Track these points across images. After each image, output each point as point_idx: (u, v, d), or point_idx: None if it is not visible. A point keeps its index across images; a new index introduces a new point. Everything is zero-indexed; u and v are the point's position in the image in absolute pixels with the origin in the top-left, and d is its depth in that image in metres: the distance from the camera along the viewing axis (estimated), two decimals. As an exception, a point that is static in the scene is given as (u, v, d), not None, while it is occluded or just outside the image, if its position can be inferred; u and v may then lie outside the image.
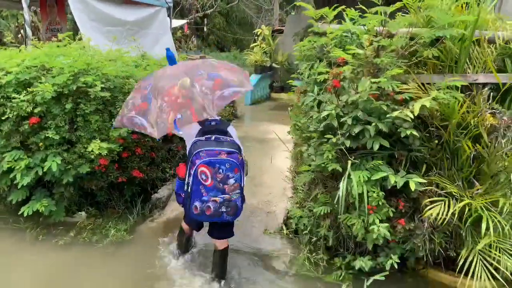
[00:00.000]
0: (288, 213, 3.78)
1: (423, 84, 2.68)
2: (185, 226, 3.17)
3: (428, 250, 2.74)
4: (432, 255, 2.80)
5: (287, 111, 4.36)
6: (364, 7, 2.91)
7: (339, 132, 2.67)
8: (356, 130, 2.60)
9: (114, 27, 7.11)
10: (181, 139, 4.70)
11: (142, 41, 7.40)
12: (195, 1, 19.22)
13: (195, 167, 2.59)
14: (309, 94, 2.93)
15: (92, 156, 3.42)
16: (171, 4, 8.50)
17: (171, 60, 2.90)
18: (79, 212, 3.91)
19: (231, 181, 2.61)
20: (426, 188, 2.64)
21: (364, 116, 2.61)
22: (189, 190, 2.65)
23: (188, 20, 16.06)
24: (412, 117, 2.39)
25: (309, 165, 2.98)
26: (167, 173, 4.50)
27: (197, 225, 3.10)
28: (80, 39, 4.55)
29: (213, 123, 2.81)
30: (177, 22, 15.07)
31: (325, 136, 2.76)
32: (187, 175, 2.68)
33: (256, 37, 21.23)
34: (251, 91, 10.84)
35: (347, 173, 2.66)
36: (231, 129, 2.89)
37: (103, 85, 3.46)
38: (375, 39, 2.64)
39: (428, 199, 2.59)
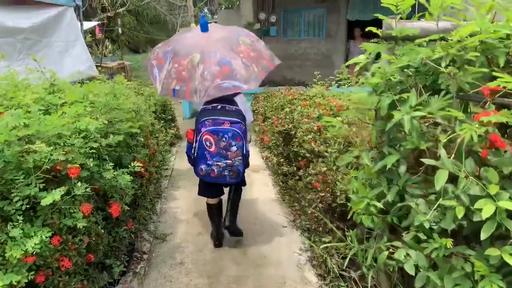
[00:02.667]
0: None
1: None
2: (207, 201, 3.33)
3: None
4: None
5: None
6: None
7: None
8: None
9: (0, 38, 5.03)
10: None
11: (46, 54, 5.40)
12: (103, -2, 16.69)
13: (201, 134, 2.80)
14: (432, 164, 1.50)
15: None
16: (80, 3, 6.48)
17: (203, 27, 2.95)
18: None
19: (233, 148, 2.81)
20: None
21: None
22: (195, 154, 2.89)
23: (99, 22, 13.64)
24: None
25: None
26: (115, 272, 2.78)
27: (210, 192, 3.25)
28: None
29: None
30: (85, 25, 12.62)
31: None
32: (194, 140, 2.88)
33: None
34: (189, 103, 9.23)
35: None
36: (239, 98, 3.04)
37: (-23, 167, 1.71)
38: None
39: None
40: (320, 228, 2.84)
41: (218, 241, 3.37)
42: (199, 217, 3.96)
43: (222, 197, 3.37)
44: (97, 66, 11.57)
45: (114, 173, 2.42)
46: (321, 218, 2.81)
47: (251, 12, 9.63)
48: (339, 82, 5.71)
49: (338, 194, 2.51)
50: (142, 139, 3.20)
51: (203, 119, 2.82)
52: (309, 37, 10.74)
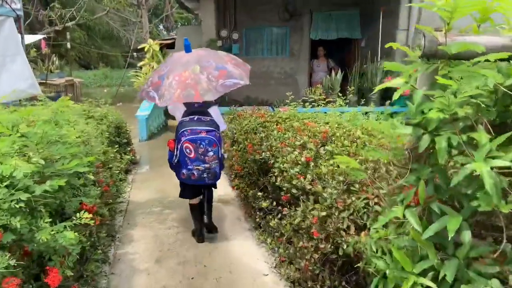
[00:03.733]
0: None
1: None
2: (189, 202, 3.67)
3: None
4: None
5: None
6: None
7: None
8: None
9: None
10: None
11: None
12: (51, 11, 15.62)
13: (181, 143, 3.23)
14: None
15: None
16: (21, 13, 5.70)
17: (187, 48, 3.48)
18: None
19: (210, 153, 3.24)
20: None
21: None
22: (177, 161, 3.33)
23: (45, 36, 12.56)
24: None
25: None
26: None
27: (191, 194, 3.61)
28: None
29: (196, 105, 3.36)
30: (27, 38, 11.51)
31: None
32: (175, 148, 3.31)
33: (135, 54, 18.48)
34: (146, 123, 8.58)
35: None
36: (213, 109, 3.46)
37: None
38: None
39: None
40: (318, 286, 2.33)
41: (201, 237, 3.66)
42: (162, 264, 3.33)
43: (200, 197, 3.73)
44: (42, 83, 10.60)
45: (52, 231, 1.79)
46: (318, 272, 2.31)
47: (213, 29, 9.16)
48: (313, 103, 5.32)
49: (345, 246, 2.03)
50: (91, 177, 2.57)
51: (183, 129, 3.24)
52: (272, 55, 10.45)
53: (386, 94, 7.89)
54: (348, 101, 5.74)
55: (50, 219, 1.93)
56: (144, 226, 4.12)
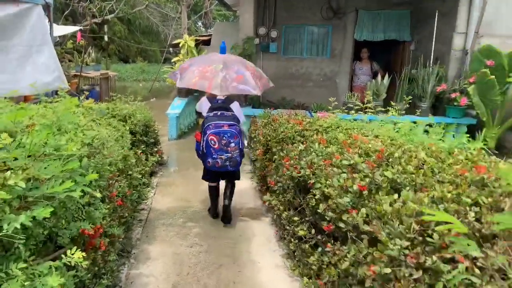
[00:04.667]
0: None
1: None
2: (208, 183, 4.21)
3: None
4: None
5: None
6: None
7: None
8: None
9: None
10: None
11: (2, 60, 4.34)
12: (90, 4, 15.65)
13: (206, 135, 3.69)
14: None
15: None
16: (51, 1, 5.42)
17: (222, 50, 4.27)
18: None
19: (232, 144, 3.72)
20: None
21: None
22: (204, 150, 3.77)
23: (81, 27, 12.48)
24: None
25: None
26: None
27: (212, 178, 4.13)
28: None
29: (219, 101, 3.88)
30: (65, 29, 11.45)
31: None
32: (202, 140, 3.77)
33: (171, 49, 18.36)
34: (176, 122, 8.24)
35: None
36: (234, 105, 3.95)
37: None
38: None
39: None
40: None
41: (215, 215, 4.23)
42: (179, 293, 2.87)
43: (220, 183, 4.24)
44: (76, 75, 10.48)
45: (26, 281, 1.34)
46: None
47: (251, 26, 8.67)
48: (359, 111, 4.71)
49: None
50: (98, 194, 2.13)
51: (208, 123, 3.73)
52: (312, 56, 9.84)
53: (438, 102, 7.16)
54: (403, 111, 5.07)
55: (33, 257, 1.50)
56: (163, 241, 3.69)
